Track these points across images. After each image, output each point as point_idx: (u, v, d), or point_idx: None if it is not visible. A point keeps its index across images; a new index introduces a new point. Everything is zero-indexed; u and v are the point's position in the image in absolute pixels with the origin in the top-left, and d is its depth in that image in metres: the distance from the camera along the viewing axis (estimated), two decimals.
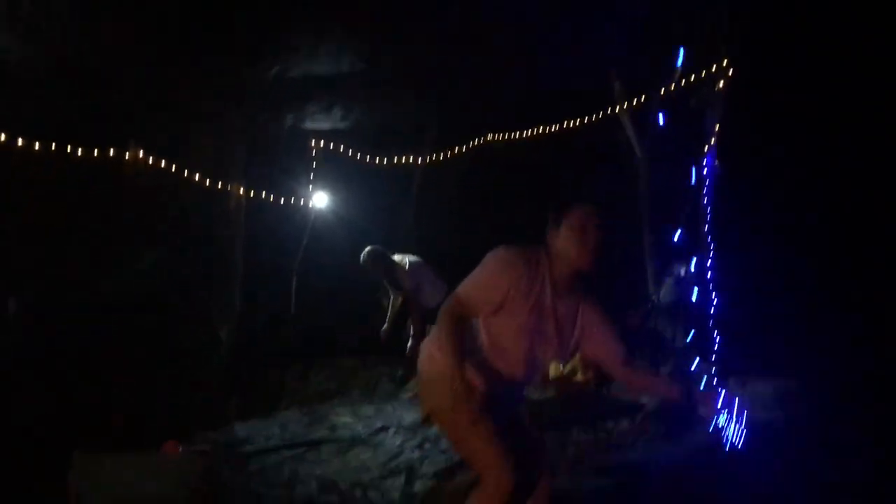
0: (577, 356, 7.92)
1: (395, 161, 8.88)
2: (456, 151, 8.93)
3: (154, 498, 3.08)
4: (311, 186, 8.60)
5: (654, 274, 7.95)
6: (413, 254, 7.75)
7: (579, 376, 7.99)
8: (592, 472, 5.00)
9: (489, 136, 8.73)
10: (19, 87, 5.97)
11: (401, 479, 5.27)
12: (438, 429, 3.15)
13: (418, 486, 5.15)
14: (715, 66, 6.71)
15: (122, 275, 6.57)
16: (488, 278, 2.87)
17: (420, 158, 9.02)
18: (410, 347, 7.49)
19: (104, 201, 6.58)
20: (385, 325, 7.79)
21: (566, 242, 2.90)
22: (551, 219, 2.96)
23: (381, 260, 7.38)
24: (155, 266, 6.87)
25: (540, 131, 8.40)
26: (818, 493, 4.48)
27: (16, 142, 6.08)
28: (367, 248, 7.37)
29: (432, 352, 2.99)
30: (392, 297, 7.74)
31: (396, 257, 7.55)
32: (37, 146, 6.24)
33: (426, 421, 3.13)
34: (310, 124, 6.27)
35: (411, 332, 7.49)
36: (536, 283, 2.86)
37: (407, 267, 7.45)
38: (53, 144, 6.34)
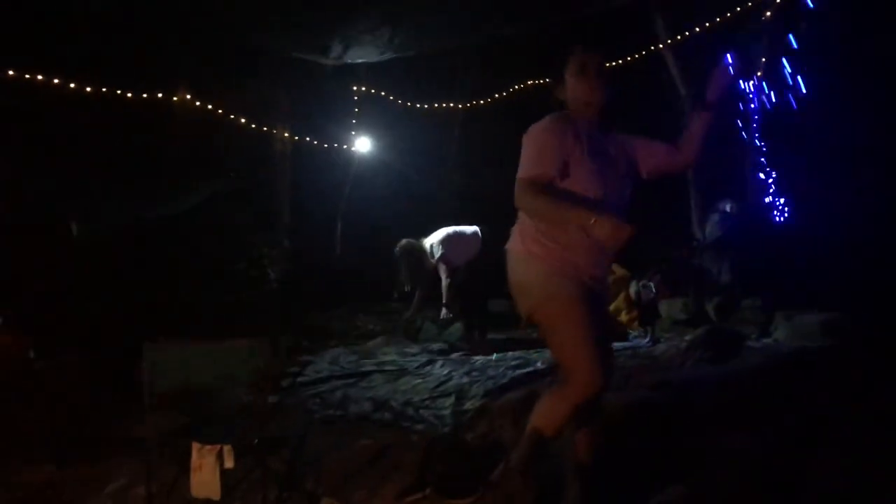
0: (621, 296, 8.08)
1: (437, 106, 8.91)
2: (496, 97, 8.92)
3: (219, 378, 3.20)
4: (353, 131, 8.68)
5: (698, 211, 7.92)
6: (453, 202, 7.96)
7: (623, 316, 8.04)
8: (642, 387, 5.00)
9: (528, 82, 8.71)
10: (76, 30, 6.12)
11: (451, 399, 5.35)
12: (540, 328, 3.00)
13: (468, 405, 5.22)
14: None
15: (176, 206, 6.76)
16: (541, 146, 2.87)
17: (461, 104, 9.04)
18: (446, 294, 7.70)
19: (156, 140, 6.74)
20: (409, 313, 7.97)
21: (574, 89, 2.98)
22: (555, 79, 3.04)
23: (411, 255, 7.74)
24: (205, 202, 7.03)
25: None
26: None
27: (69, 84, 6.25)
28: (402, 243, 7.72)
29: (528, 248, 2.94)
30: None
31: (427, 240, 7.74)
32: (88, 89, 6.42)
33: (524, 324, 3.08)
34: (354, 55, 6.27)
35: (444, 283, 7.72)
36: (578, 131, 2.92)
37: (436, 253, 7.72)
38: (106, 88, 6.52)
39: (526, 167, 2.89)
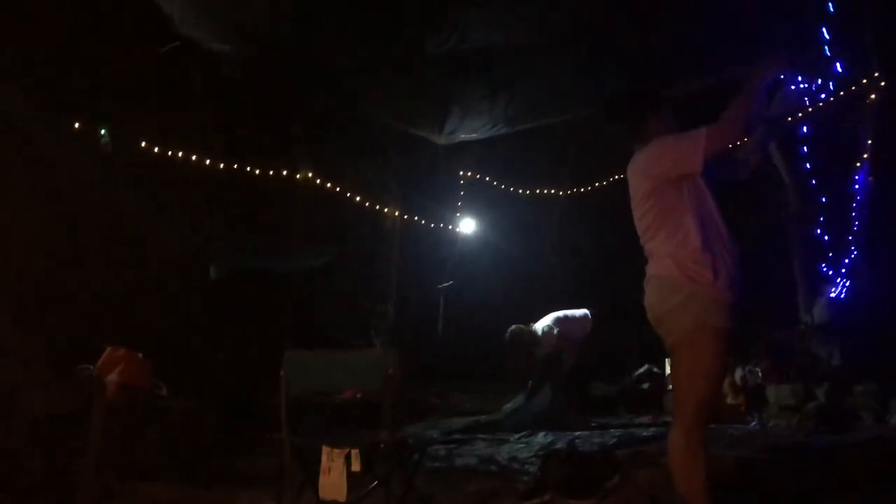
0: (726, 381, 7.92)
1: (538, 192, 9.26)
2: (596, 185, 9.18)
3: (352, 383, 3.39)
4: (458, 213, 9.08)
5: (805, 295, 7.80)
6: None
7: (729, 400, 7.85)
8: (751, 449, 4.90)
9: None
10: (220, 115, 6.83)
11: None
12: (677, 357, 3.00)
13: None
14: (865, 79, 6.77)
15: (295, 265, 7.25)
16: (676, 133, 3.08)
17: (562, 190, 9.34)
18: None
19: (283, 207, 7.32)
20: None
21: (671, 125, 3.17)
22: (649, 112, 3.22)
23: (520, 344, 7.62)
24: (321, 266, 7.49)
25: None
26: None
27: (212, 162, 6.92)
28: (512, 328, 7.62)
29: (686, 274, 2.94)
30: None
31: (537, 325, 7.77)
32: (223, 165, 7.08)
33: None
34: (467, 128, 6.68)
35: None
36: None
37: (546, 335, 7.65)
38: (237, 164, 7.17)
39: (692, 134, 3.01)
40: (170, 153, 6.59)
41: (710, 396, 2.95)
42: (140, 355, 5.08)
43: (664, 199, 3.04)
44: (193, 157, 6.70)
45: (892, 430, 5.79)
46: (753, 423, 7.03)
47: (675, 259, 3.00)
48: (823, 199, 7.46)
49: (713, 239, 2.98)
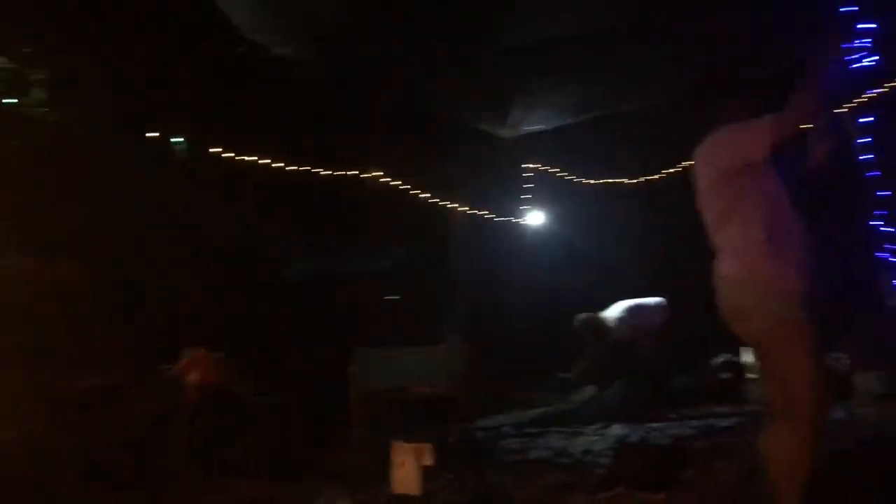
0: None
1: (607, 182, 9.14)
2: (669, 172, 8.98)
3: (422, 379, 3.46)
4: (526, 205, 9.06)
5: (888, 278, 7.47)
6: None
7: None
8: (844, 440, 4.74)
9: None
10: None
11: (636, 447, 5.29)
12: (765, 354, 2.95)
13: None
14: None
15: (371, 267, 7.42)
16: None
17: (630, 178, 9.18)
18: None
19: (353, 207, 7.47)
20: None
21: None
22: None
23: (591, 328, 7.73)
24: (394, 265, 7.63)
25: None
26: None
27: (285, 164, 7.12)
28: (581, 316, 7.73)
29: (752, 268, 2.89)
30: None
31: (609, 314, 7.75)
32: (294, 168, 7.25)
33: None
34: (533, 120, 6.63)
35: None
36: None
37: (619, 324, 7.67)
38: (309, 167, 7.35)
39: (760, 122, 2.94)
40: (244, 158, 6.81)
41: (812, 389, 2.81)
42: (221, 355, 5.27)
43: (730, 189, 2.97)
44: (267, 162, 6.90)
45: None
46: (841, 413, 6.79)
47: (742, 257, 2.94)
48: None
49: (782, 230, 2.89)
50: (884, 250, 7.24)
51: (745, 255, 2.92)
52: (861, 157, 7.19)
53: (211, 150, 6.62)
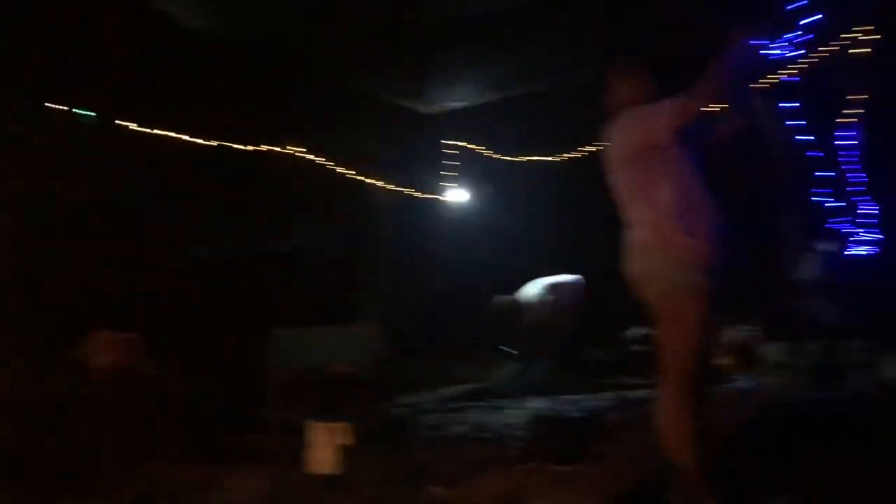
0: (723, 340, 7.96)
1: (527, 160, 9.20)
2: (585, 150, 9.11)
3: (341, 358, 3.42)
4: (448, 183, 9.05)
5: (796, 252, 7.80)
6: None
7: (724, 359, 7.90)
8: (748, 408, 4.95)
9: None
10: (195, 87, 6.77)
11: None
12: (660, 317, 3.03)
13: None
14: (857, 34, 6.68)
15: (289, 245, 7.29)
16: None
17: (552, 156, 9.27)
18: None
19: (271, 185, 7.31)
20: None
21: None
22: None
23: (509, 309, 7.82)
24: (311, 245, 7.52)
25: None
26: None
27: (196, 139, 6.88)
28: (495, 299, 7.85)
29: (665, 239, 2.98)
30: None
31: (529, 292, 7.85)
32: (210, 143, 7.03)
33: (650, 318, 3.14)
34: (451, 96, 6.58)
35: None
36: None
37: (540, 302, 7.79)
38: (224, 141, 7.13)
39: (671, 101, 3.00)
40: (154, 132, 6.56)
41: (694, 355, 2.97)
42: (131, 336, 5.09)
43: (641, 167, 3.06)
44: (181, 136, 6.67)
45: (883, 385, 5.82)
46: (746, 382, 7.08)
47: (651, 224, 3.04)
48: (813, 155, 7.41)
49: (692, 204, 2.99)
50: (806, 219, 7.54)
51: (654, 225, 3.03)
52: (796, 138, 7.46)
53: (118, 122, 6.36)
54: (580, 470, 3.51)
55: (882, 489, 3.36)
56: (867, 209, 7.16)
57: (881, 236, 7.21)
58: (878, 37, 6.58)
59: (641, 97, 3.14)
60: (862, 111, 6.92)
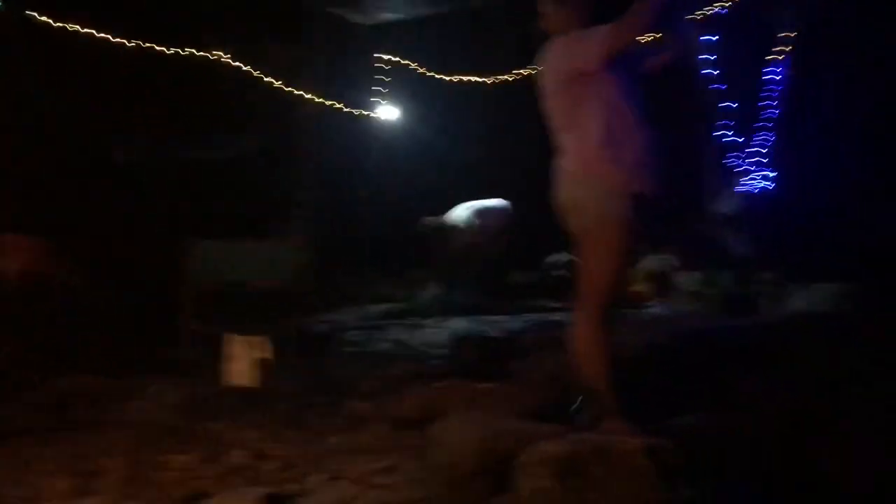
0: (638, 269, 8.20)
1: (463, 80, 9.06)
2: (523, 73, 9.01)
3: (263, 272, 3.38)
4: (380, 99, 8.87)
5: (714, 186, 8.03)
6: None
7: (640, 286, 8.15)
8: (659, 334, 5.11)
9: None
10: None
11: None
12: (583, 245, 3.05)
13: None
14: None
15: (212, 154, 7.06)
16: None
17: (488, 77, 9.15)
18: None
19: (194, 91, 7.00)
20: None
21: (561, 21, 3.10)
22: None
23: (436, 231, 7.84)
24: (238, 154, 7.30)
25: None
26: None
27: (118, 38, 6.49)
28: (425, 220, 7.84)
29: (589, 168, 2.99)
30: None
31: (456, 215, 7.82)
32: (129, 42, 6.64)
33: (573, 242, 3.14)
34: (386, 7, 6.35)
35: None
36: None
37: (466, 226, 7.81)
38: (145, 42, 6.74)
39: (601, 30, 2.94)
40: (74, 29, 6.17)
41: (611, 282, 3.03)
42: (43, 241, 4.89)
43: (571, 94, 3.03)
44: (97, 34, 6.29)
45: (789, 315, 6.11)
46: (661, 309, 7.36)
47: (579, 153, 3.04)
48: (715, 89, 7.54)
49: (620, 133, 3.00)
50: (727, 158, 7.73)
51: (582, 154, 3.03)
52: (703, 71, 7.54)
53: (36, 17, 5.95)
54: (497, 387, 3.60)
55: (781, 407, 3.56)
56: (761, 146, 7.36)
57: (773, 172, 7.45)
58: None
59: (576, 23, 3.10)
60: (789, 48, 7.07)
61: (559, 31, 3.10)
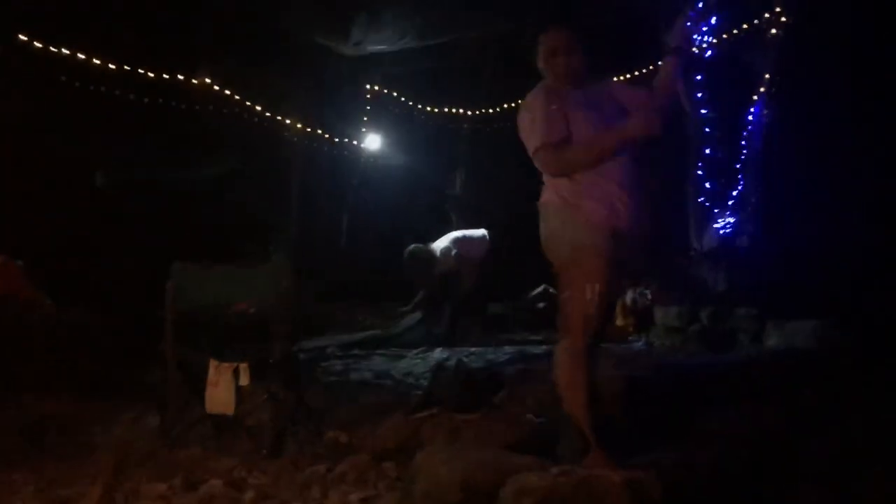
0: (619, 303, 8.25)
1: (447, 111, 9.17)
2: (505, 106, 9.15)
3: (243, 297, 3.37)
4: (364, 128, 8.93)
5: (696, 223, 8.14)
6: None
7: (619, 321, 8.20)
8: (640, 368, 5.15)
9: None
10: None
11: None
12: (562, 277, 3.12)
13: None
14: (767, 14, 6.93)
15: (195, 177, 7.05)
16: (545, 112, 3.03)
17: (471, 110, 9.27)
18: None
19: (178, 115, 7.01)
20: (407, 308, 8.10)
21: (552, 69, 3.17)
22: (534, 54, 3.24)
23: (419, 259, 7.68)
24: (219, 177, 7.31)
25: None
26: None
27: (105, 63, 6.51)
28: (410, 248, 7.68)
29: (565, 200, 3.04)
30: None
31: (436, 245, 7.83)
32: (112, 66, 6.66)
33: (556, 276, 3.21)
34: (375, 40, 6.43)
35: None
36: (567, 94, 3.10)
37: (445, 255, 7.74)
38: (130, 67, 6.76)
39: (539, 135, 3.03)
40: (57, 51, 6.18)
41: (591, 315, 3.05)
42: (19, 263, 4.85)
43: None
44: (84, 58, 6.31)
45: (767, 351, 6.18)
46: (640, 344, 7.40)
47: (556, 187, 3.10)
48: (717, 131, 7.68)
49: (598, 169, 3.04)
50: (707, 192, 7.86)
51: (564, 188, 3.08)
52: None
53: (19, 37, 5.95)
54: (478, 418, 3.60)
55: (757, 442, 3.60)
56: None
57: (732, 218, 7.59)
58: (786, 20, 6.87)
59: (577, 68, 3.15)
60: (764, 89, 7.22)
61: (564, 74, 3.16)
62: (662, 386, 4.74)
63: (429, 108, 9.08)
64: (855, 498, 3.06)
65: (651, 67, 7.97)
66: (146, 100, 6.75)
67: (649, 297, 8.00)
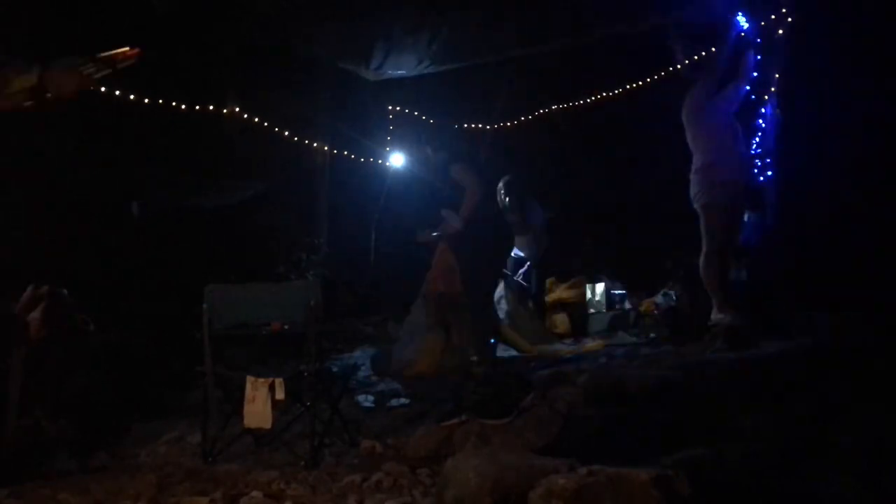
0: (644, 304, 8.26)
1: (466, 126, 9.32)
2: (522, 119, 9.30)
3: (276, 315, 3.51)
4: (387, 147, 9.09)
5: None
6: None
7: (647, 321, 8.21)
8: (662, 368, 5.18)
9: (553, 106, 9.07)
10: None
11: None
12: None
13: None
14: (774, 15, 6.94)
15: (226, 202, 7.28)
16: None
17: (489, 125, 9.42)
18: None
19: (210, 143, 7.24)
20: None
21: None
22: None
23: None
24: (249, 200, 7.51)
25: (605, 95, 8.64)
26: None
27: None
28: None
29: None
30: None
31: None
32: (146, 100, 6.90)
33: None
34: (393, 65, 6.61)
35: None
36: None
37: None
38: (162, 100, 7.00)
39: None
40: (92, 88, 6.39)
41: None
42: (64, 291, 5.03)
43: None
44: (117, 92, 6.53)
45: (794, 347, 6.15)
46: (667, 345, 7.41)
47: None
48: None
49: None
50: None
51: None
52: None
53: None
54: (507, 423, 3.69)
55: (787, 437, 3.64)
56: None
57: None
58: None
59: None
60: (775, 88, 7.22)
61: None
62: (691, 384, 4.78)
63: (448, 124, 9.24)
64: (886, 492, 3.09)
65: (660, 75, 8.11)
66: (176, 129, 6.95)
67: (674, 297, 8.02)
